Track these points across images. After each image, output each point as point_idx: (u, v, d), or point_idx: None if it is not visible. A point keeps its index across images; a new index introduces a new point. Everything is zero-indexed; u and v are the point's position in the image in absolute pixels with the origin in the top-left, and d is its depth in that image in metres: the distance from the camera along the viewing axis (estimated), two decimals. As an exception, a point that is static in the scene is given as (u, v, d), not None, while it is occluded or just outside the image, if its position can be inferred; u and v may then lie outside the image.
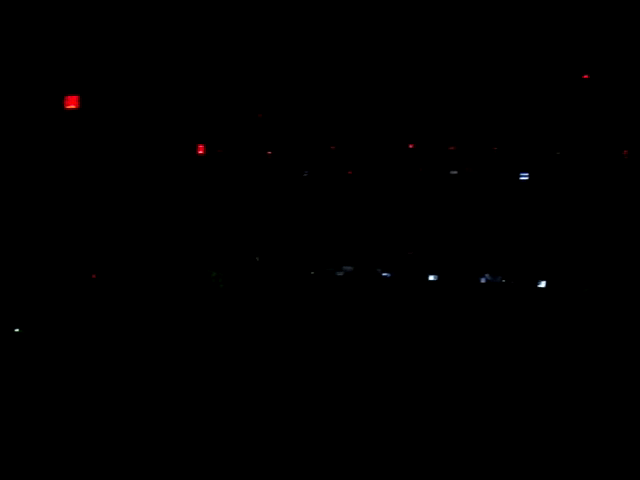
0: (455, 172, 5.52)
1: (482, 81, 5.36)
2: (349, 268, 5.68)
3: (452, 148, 5.53)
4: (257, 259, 5.67)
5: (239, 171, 5.80)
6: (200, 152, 5.77)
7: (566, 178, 5.37)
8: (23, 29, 5.12)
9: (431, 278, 5.55)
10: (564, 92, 5.25)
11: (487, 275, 5.46)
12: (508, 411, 4.42)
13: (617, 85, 5.16)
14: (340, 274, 5.69)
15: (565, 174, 5.37)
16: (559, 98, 5.27)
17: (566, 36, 5.09)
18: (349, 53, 5.46)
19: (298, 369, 4.99)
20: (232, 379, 4.80)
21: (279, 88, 5.65)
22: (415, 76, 5.49)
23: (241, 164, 5.81)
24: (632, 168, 5.23)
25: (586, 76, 5.06)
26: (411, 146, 5.49)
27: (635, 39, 4.85)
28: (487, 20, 5.17)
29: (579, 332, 5.14)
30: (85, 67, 5.38)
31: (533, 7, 5.10)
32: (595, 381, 4.72)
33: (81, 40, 5.32)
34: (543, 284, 5.35)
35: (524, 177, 5.41)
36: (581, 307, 5.30)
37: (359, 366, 5.06)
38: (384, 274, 5.62)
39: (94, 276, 5.71)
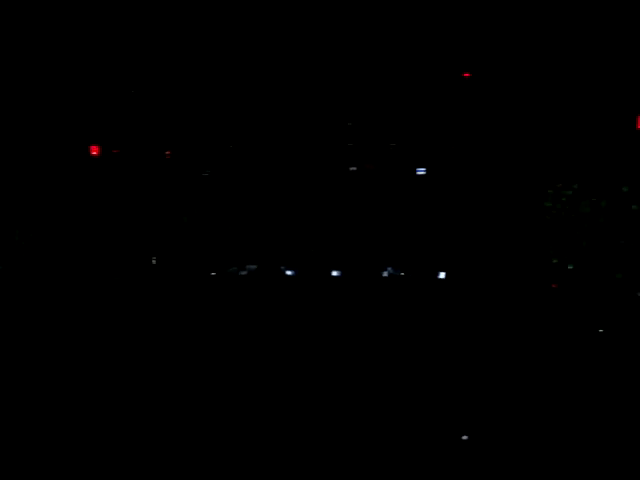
0: (354, 168, 5.59)
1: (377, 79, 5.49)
2: (253, 267, 5.61)
3: (350, 144, 5.61)
4: (154, 261, 5.49)
5: (136, 172, 5.64)
6: (94, 153, 5.57)
7: (462, 173, 5.55)
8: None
9: (334, 274, 5.56)
10: (454, 89, 5.45)
11: (389, 269, 5.53)
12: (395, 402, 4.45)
13: (496, 84, 5.40)
14: (244, 273, 5.60)
15: (461, 169, 5.55)
16: (452, 96, 5.47)
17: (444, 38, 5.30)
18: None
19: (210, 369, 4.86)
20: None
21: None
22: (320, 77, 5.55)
23: (140, 164, 5.65)
24: (516, 163, 5.47)
25: (467, 74, 5.28)
26: (304, 145, 5.54)
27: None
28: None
29: (480, 322, 5.27)
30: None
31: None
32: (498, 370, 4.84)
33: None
34: (442, 275, 5.48)
35: (421, 172, 5.55)
36: (479, 298, 5.45)
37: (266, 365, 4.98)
38: (288, 272, 5.58)
39: None
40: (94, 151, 5.56)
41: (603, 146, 5.14)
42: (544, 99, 5.25)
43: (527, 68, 5.18)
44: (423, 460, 3.83)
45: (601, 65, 5.08)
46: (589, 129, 5.17)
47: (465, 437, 4.30)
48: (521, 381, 4.74)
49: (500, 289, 5.35)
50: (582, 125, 5.21)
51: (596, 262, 5.23)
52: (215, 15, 5.35)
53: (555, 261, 5.33)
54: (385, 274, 5.52)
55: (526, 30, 5.16)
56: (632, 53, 4.99)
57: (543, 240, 5.38)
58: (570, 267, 5.30)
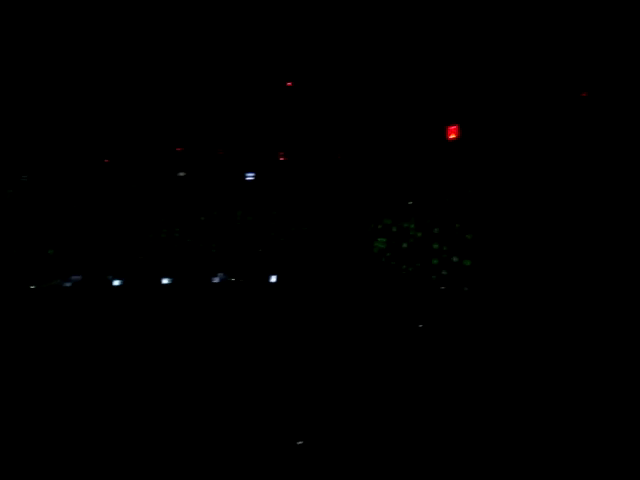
0: (183, 174, 5.53)
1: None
2: (78, 277, 5.38)
3: (179, 149, 5.53)
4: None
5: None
6: None
7: (289, 178, 5.66)
8: None
9: (165, 281, 5.47)
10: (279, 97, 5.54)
11: (220, 274, 5.53)
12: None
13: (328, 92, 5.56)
14: (68, 285, 5.36)
15: (290, 174, 5.66)
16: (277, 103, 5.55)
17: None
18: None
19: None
20: None
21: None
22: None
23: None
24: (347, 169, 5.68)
25: (289, 83, 5.39)
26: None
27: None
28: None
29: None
30: None
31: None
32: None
33: None
34: (274, 279, 5.57)
35: (250, 177, 5.59)
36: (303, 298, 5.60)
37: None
38: (116, 282, 5.41)
39: None
40: None
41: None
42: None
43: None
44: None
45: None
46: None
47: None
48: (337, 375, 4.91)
49: (322, 291, 5.53)
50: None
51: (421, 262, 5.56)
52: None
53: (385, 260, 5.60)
54: (216, 280, 5.52)
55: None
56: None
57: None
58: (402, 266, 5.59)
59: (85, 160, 5.36)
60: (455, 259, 5.18)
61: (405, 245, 5.64)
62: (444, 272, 5.23)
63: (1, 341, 4.95)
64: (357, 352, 5.16)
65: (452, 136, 5.56)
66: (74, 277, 5.38)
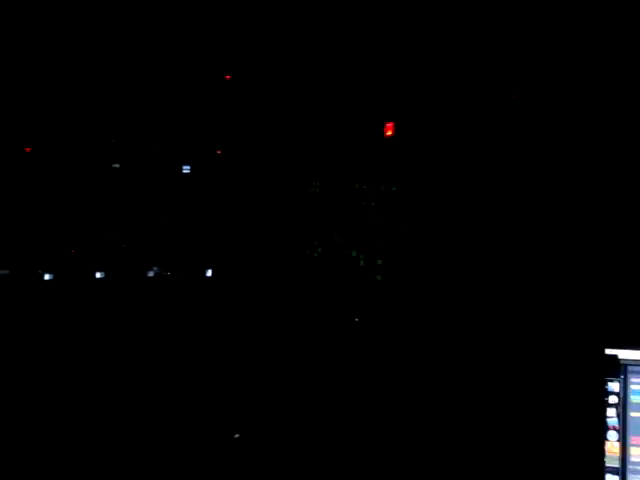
0: (117, 165, 5.43)
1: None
2: (4, 272, 5.21)
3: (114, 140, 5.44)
4: None
5: None
6: None
7: (228, 172, 5.64)
8: None
9: (98, 275, 5.37)
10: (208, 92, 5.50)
11: (155, 268, 5.47)
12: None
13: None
14: (-6, 279, 5.19)
15: (227, 168, 5.64)
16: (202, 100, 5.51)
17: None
18: None
19: None
20: None
21: None
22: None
23: None
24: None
25: (228, 77, 5.37)
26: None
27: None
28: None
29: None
30: None
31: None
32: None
33: None
34: (209, 273, 5.55)
35: (186, 170, 5.54)
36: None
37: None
38: (47, 276, 5.28)
39: None
40: None
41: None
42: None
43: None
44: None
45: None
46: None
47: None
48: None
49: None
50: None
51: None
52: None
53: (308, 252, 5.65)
54: (151, 274, 5.46)
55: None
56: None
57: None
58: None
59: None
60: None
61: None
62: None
63: None
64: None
65: (389, 133, 5.62)
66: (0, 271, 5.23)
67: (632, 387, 3.41)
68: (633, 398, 3.40)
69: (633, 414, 3.39)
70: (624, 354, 3.45)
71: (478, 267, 4.85)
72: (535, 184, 4.72)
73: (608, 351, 3.45)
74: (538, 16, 4.76)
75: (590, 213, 4.44)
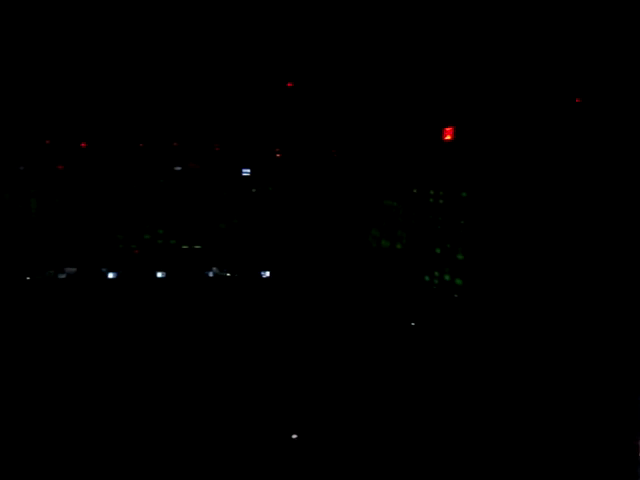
0: (179, 168, 5.55)
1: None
2: (72, 270, 5.39)
3: (175, 145, 5.56)
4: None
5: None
6: None
7: (286, 174, 5.70)
8: None
9: (159, 275, 5.50)
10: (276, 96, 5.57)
11: (214, 269, 5.57)
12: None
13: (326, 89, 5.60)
14: (62, 276, 5.38)
15: (285, 170, 5.70)
16: (271, 102, 5.58)
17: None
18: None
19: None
20: None
21: None
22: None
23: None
24: (340, 169, 5.72)
25: (290, 84, 5.43)
26: (141, 145, 5.42)
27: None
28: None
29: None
30: None
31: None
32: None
33: None
34: (267, 274, 5.61)
35: (246, 173, 5.63)
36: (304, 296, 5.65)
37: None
38: (110, 275, 5.44)
39: None
40: None
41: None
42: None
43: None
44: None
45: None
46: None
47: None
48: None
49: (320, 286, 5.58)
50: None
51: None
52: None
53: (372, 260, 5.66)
54: (210, 274, 5.56)
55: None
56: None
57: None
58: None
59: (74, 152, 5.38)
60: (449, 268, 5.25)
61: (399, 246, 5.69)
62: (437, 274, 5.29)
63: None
64: (351, 350, 5.21)
65: (447, 137, 5.61)
66: (69, 269, 5.41)
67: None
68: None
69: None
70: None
71: (548, 270, 4.78)
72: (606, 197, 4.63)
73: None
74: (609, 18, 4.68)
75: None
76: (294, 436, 4.62)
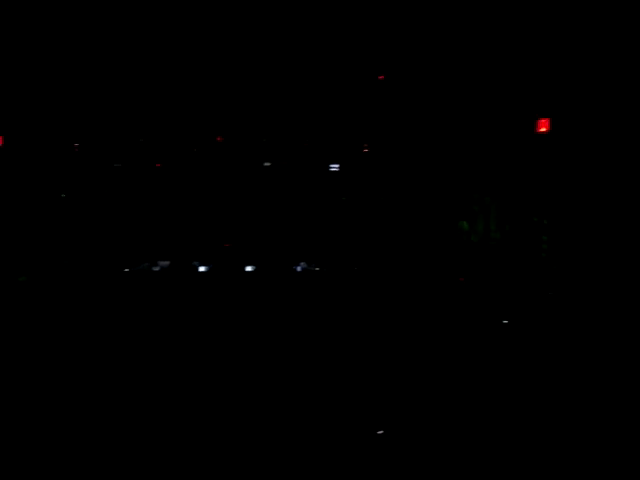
0: (268, 164, 5.61)
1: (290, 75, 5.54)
2: (165, 263, 5.51)
3: (264, 140, 5.63)
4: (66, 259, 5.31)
5: (39, 165, 5.44)
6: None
7: (374, 169, 5.68)
8: None
9: (248, 269, 5.55)
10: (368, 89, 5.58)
11: (302, 264, 5.57)
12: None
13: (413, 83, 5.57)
14: (156, 269, 5.50)
15: (373, 166, 5.67)
16: (361, 95, 5.58)
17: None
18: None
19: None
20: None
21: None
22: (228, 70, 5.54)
23: (43, 157, 5.46)
24: (430, 162, 5.65)
25: (381, 77, 5.42)
26: (219, 139, 5.51)
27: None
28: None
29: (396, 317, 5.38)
30: None
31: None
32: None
33: None
34: (357, 269, 5.57)
35: (334, 168, 5.63)
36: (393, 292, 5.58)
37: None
38: (201, 268, 5.52)
39: None
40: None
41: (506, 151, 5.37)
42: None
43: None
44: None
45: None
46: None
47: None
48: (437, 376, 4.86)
49: (412, 284, 5.49)
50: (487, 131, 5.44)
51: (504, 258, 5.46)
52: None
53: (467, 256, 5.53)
54: (298, 269, 5.56)
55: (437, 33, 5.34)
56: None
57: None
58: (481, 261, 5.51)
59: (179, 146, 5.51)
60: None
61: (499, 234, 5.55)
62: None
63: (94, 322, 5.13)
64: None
65: (542, 129, 5.45)
66: (162, 262, 5.53)
67: None
68: None
69: None
70: None
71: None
72: None
73: None
74: None
75: None
76: (379, 432, 4.52)
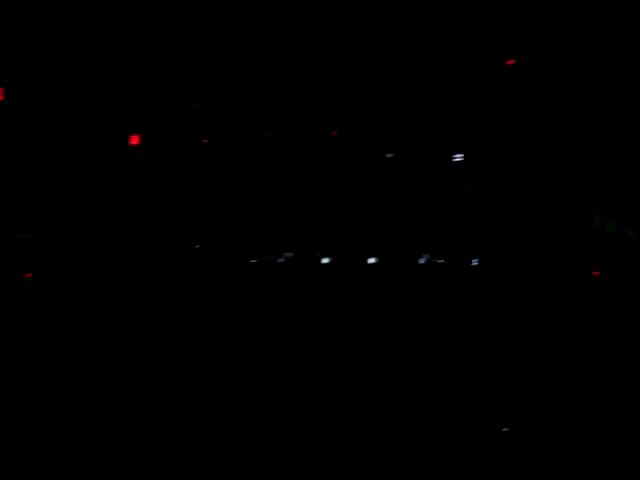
0: (390, 155, 5.56)
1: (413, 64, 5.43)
2: (289, 254, 5.65)
3: (387, 132, 5.58)
4: (196, 247, 5.59)
5: (170, 162, 5.71)
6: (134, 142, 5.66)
7: (500, 158, 5.48)
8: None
9: (371, 261, 5.56)
10: (491, 76, 5.36)
11: (426, 256, 5.51)
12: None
13: (544, 71, 5.29)
14: (281, 260, 5.65)
15: (499, 154, 5.47)
16: (487, 82, 5.38)
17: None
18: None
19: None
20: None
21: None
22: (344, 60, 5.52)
23: (173, 153, 5.72)
24: (559, 149, 5.37)
25: (512, 61, 5.18)
26: (335, 133, 5.53)
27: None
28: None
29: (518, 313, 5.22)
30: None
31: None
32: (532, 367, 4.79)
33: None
34: (475, 262, 5.44)
35: (458, 158, 5.49)
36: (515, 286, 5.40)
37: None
38: (324, 259, 5.61)
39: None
40: (133, 141, 5.66)
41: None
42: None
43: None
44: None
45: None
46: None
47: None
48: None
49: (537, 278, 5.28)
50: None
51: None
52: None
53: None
54: (422, 261, 5.50)
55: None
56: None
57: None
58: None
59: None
60: None
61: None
62: None
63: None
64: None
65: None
66: (286, 254, 5.67)
67: None
68: None
69: None
70: None
71: None
72: None
73: None
74: None
75: None
76: (505, 429, 4.41)
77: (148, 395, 4.42)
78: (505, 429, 4.13)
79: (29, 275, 5.61)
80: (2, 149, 5.30)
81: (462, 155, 5.43)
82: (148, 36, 5.52)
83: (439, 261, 5.47)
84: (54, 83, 5.42)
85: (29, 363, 4.78)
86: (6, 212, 5.48)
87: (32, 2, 5.14)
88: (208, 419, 4.12)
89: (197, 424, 4.04)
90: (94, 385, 4.53)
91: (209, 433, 3.96)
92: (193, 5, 5.36)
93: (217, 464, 3.61)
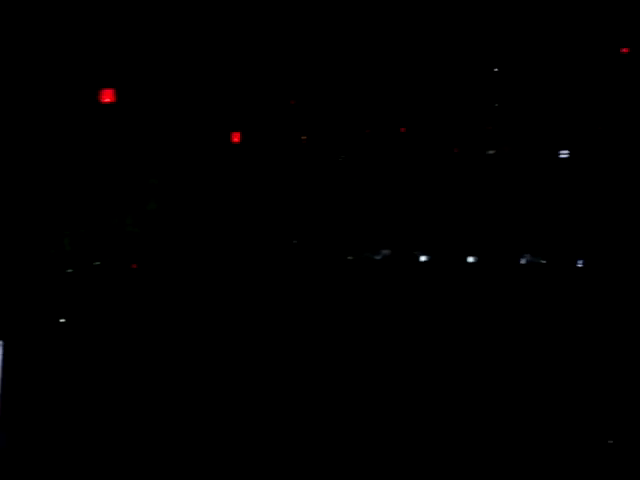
0: (492, 152, 5.47)
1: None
2: (387, 252, 5.67)
3: (489, 128, 5.48)
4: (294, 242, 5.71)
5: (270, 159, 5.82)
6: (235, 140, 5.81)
7: (606, 156, 5.28)
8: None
9: (470, 260, 5.52)
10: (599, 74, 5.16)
11: (527, 256, 5.40)
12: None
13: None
14: (378, 258, 5.69)
15: (606, 152, 5.28)
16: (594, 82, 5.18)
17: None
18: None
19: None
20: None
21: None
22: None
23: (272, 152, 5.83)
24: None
25: (626, 49, 4.96)
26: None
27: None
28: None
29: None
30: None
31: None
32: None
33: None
34: (580, 264, 5.29)
35: (564, 155, 5.33)
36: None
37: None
38: (422, 258, 5.60)
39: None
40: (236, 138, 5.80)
41: None
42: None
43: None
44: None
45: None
46: None
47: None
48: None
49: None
50: None
51: None
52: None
53: None
54: (523, 261, 5.41)
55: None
56: None
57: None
58: None
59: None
60: None
61: None
62: None
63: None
64: None
65: None
66: (384, 251, 5.69)
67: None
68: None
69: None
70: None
71: None
72: None
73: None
74: None
75: None
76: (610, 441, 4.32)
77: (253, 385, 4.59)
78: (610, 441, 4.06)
79: (134, 266, 5.88)
80: (116, 144, 5.56)
81: (568, 152, 5.27)
82: (246, 36, 5.63)
83: (542, 261, 5.35)
84: (162, 86, 5.62)
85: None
86: (116, 202, 5.73)
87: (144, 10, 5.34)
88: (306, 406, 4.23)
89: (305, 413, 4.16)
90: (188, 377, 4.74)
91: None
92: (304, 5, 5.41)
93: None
